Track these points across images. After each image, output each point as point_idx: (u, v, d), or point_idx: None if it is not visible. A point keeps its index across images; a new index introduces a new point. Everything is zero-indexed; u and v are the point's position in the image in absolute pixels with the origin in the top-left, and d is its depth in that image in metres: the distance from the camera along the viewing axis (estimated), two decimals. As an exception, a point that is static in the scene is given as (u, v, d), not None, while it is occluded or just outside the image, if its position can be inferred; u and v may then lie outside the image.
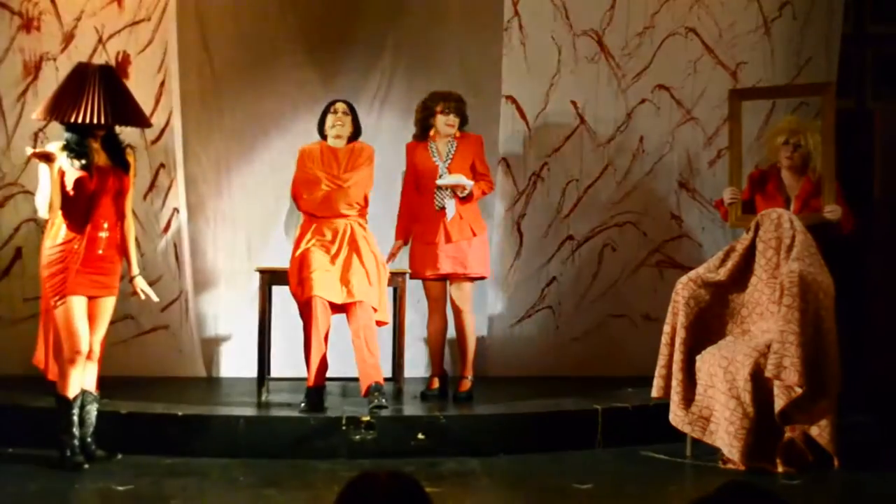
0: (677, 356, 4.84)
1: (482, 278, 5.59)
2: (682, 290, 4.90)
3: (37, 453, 4.61)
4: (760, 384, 4.63)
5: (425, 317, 5.78)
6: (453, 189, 5.37)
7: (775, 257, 4.84)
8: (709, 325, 4.93)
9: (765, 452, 4.65)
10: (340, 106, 5.38)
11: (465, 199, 5.39)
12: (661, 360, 4.92)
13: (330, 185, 5.25)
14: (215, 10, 6.10)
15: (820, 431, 4.63)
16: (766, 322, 4.82)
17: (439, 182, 5.38)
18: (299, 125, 6.07)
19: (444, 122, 5.45)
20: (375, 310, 5.12)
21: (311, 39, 6.17)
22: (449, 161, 5.43)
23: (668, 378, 4.88)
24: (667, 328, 4.93)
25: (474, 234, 5.40)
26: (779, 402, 4.61)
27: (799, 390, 4.56)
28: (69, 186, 4.46)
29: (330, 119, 5.36)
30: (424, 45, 6.21)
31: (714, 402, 4.74)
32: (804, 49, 6.18)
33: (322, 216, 5.24)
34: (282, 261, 5.51)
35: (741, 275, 4.94)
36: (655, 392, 4.93)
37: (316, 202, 5.24)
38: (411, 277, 5.53)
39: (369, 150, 5.38)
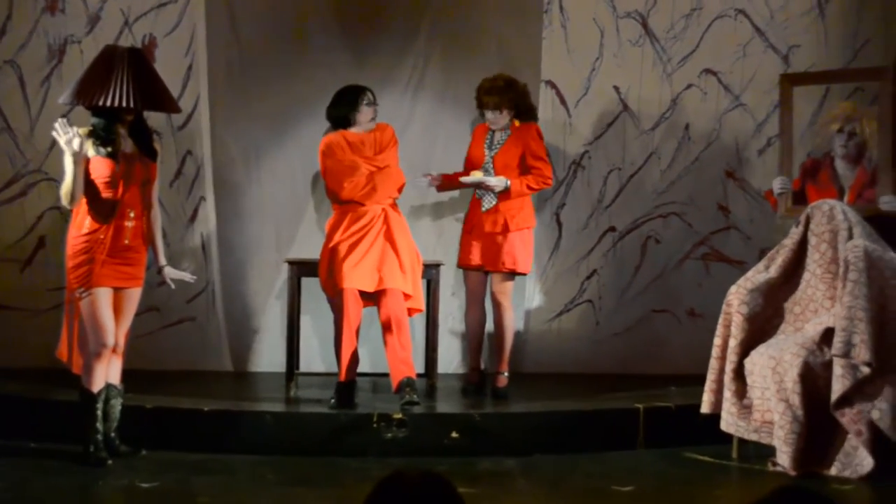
0: (729, 367, 4.72)
1: (521, 273, 5.50)
2: (734, 298, 4.79)
3: (60, 448, 4.59)
4: (810, 384, 4.50)
5: (458, 311, 5.79)
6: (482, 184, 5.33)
7: (830, 251, 4.72)
8: (762, 330, 4.77)
9: (817, 456, 4.53)
10: (372, 96, 5.32)
11: (504, 194, 5.29)
12: (711, 375, 4.82)
13: (370, 169, 5.20)
14: (244, -10, 6.07)
15: (881, 416, 4.46)
16: (820, 317, 4.68)
17: (462, 180, 5.36)
18: (331, 110, 5.99)
19: (489, 118, 5.41)
20: (408, 296, 5.06)
21: (344, 21, 6.09)
22: (496, 151, 5.37)
23: (717, 392, 4.78)
24: (717, 340, 4.82)
25: (509, 230, 5.28)
26: (840, 386, 4.44)
27: (866, 370, 4.41)
28: (95, 174, 4.40)
29: (367, 111, 5.24)
30: (461, 27, 6.14)
31: (770, 404, 4.62)
32: (860, 31, 6.07)
33: (369, 203, 5.14)
34: (312, 251, 5.46)
35: (793, 270, 4.82)
36: (705, 408, 4.82)
37: (359, 187, 5.15)
38: (457, 266, 5.56)
39: (391, 129, 5.36)
